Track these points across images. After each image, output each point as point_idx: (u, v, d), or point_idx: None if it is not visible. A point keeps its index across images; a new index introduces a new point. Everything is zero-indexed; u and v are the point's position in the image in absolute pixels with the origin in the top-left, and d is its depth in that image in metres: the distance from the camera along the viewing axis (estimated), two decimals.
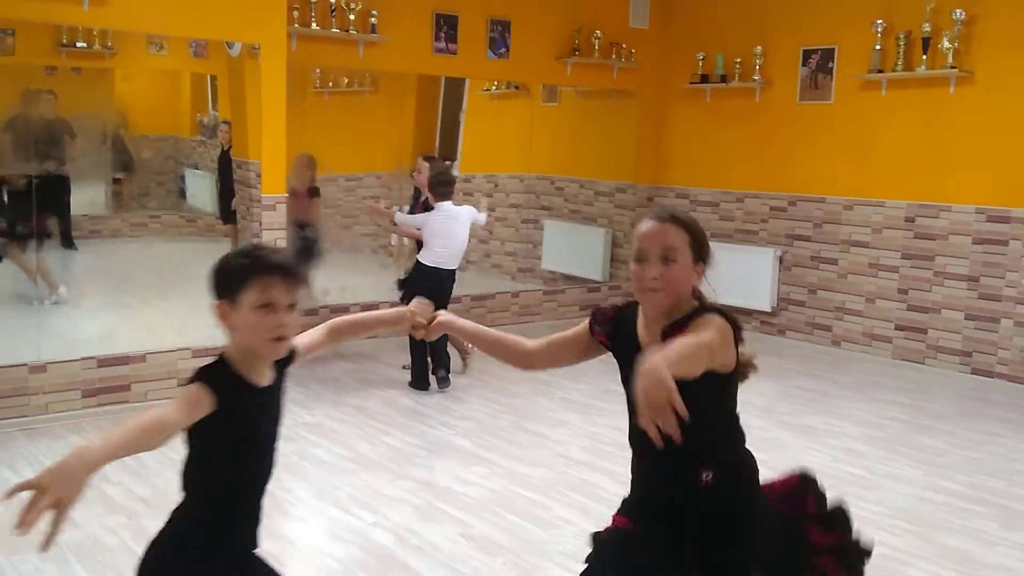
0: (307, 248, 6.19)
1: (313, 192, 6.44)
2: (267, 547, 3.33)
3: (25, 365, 4.65)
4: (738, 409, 2.12)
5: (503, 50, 7.12)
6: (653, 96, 7.98)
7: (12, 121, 6.50)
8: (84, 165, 7.37)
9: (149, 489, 3.88)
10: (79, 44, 7.15)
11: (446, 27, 6.81)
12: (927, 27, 6.22)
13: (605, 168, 8.23)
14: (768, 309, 7.25)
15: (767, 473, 2.32)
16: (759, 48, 7.20)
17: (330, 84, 7.99)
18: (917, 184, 6.45)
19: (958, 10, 6.04)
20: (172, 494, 3.86)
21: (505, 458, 4.39)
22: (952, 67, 6.12)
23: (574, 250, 8.33)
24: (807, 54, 6.98)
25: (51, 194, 5.97)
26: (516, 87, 8.20)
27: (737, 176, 7.51)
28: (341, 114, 8.02)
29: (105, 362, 4.87)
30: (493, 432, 4.78)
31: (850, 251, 6.83)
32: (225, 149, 7.10)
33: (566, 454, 4.47)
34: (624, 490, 4.09)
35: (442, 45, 6.82)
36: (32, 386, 4.65)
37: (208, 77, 8.47)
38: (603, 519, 3.63)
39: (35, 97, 6.92)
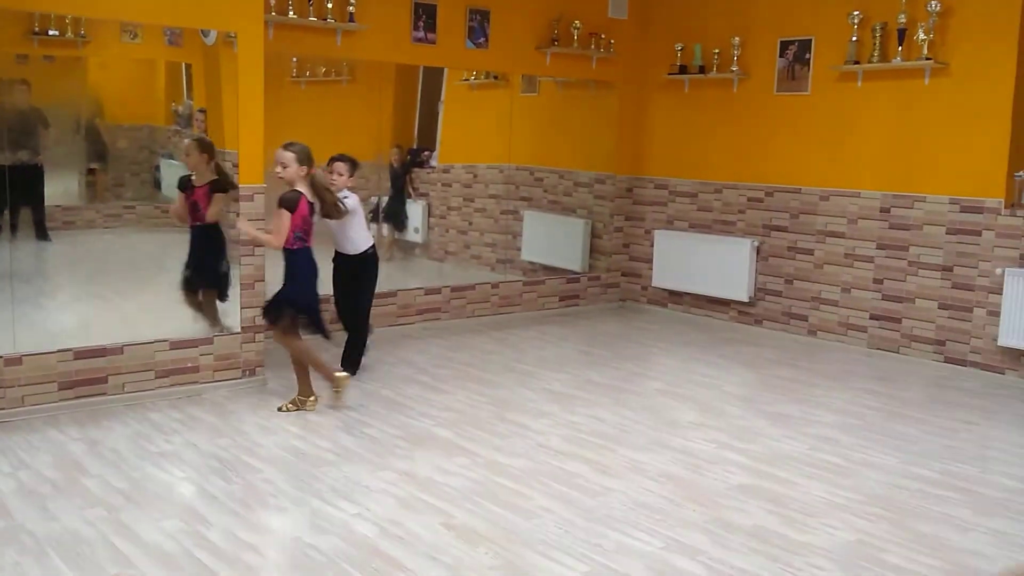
0: (207, 267, 5.60)
1: (216, 187, 5.51)
2: (249, 539, 3.35)
3: (1, 357, 4.59)
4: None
5: (482, 40, 7.10)
6: (632, 87, 8.00)
7: None
8: (58, 155, 7.26)
9: (127, 482, 3.85)
10: (51, 32, 7.04)
11: (425, 16, 6.78)
12: (903, 18, 6.27)
13: (584, 159, 8.24)
14: (745, 299, 7.31)
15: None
16: (737, 39, 7.24)
17: (307, 73, 7.93)
18: (892, 175, 6.51)
19: (933, 2, 6.09)
20: (150, 487, 3.86)
21: (486, 448, 4.40)
22: (927, 58, 6.17)
23: (553, 241, 8.34)
24: (784, 45, 7.02)
25: (25, 185, 5.88)
26: (495, 77, 8.17)
27: (715, 167, 7.55)
28: (318, 104, 7.96)
29: (82, 354, 4.82)
30: (474, 423, 4.79)
31: (826, 241, 6.89)
32: (201, 137, 7.02)
33: (547, 444, 4.49)
34: (607, 479, 4.13)
35: (421, 34, 6.79)
36: (7, 378, 4.60)
37: (183, 66, 8.37)
38: (584, 508, 3.68)
39: (7, 87, 6.82)
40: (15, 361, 4.63)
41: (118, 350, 4.97)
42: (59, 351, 4.78)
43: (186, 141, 5.61)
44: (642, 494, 3.89)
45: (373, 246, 5.62)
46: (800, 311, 7.06)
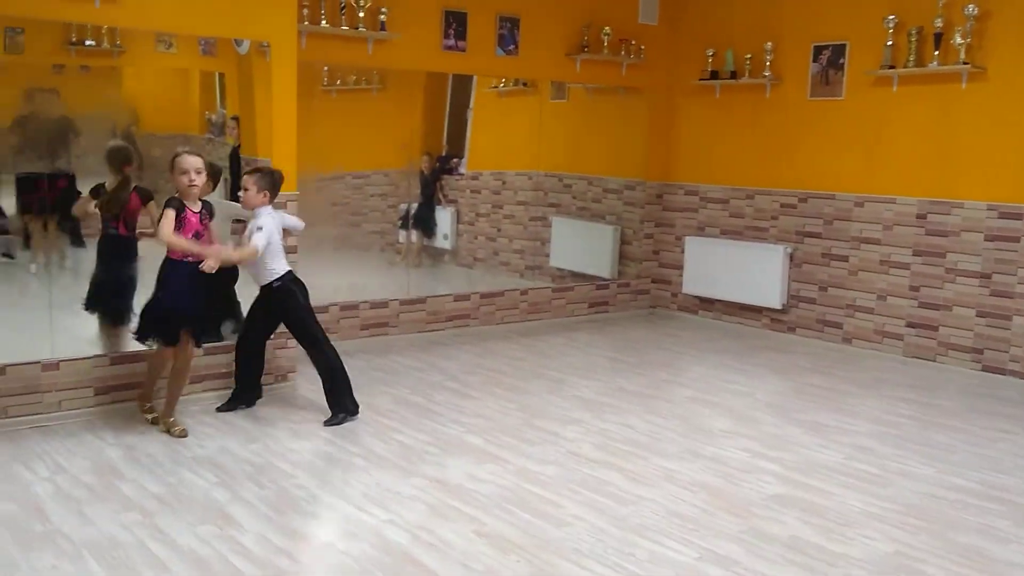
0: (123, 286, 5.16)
1: (144, 196, 5.12)
2: (282, 544, 3.36)
3: (38, 363, 4.66)
4: None
5: (512, 47, 7.11)
6: (662, 93, 7.97)
7: (19, 120, 6.51)
8: (93, 163, 7.37)
9: (162, 487, 3.88)
10: (88, 42, 7.16)
11: (455, 24, 6.80)
12: (939, 22, 6.19)
13: (614, 165, 8.22)
14: (778, 306, 7.23)
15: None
16: (769, 44, 7.18)
17: (338, 82, 7.99)
18: (929, 181, 6.42)
19: (970, 5, 6.01)
20: (185, 492, 3.89)
21: (517, 456, 4.39)
22: (964, 63, 6.09)
23: (582, 247, 8.32)
24: (818, 50, 6.96)
25: (59, 192, 5.97)
26: (524, 84, 8.18)
27: (747, 173, 7.49)
28: (348, 112, 8.02)
29: (117, 360, 4.88)
30: (505, 430, 4.78)
31: (861, 248, 6.80)
32: (235, 147, 7.10)
33: (578, 451, 4.47)
34: (639, 487, 4.11)
35: (451, 42, 6.81)
36: (45, 384, 4.66)
37: (216, 75, 8.48)
38: (616, 517, 3.65)
39: (40, 96, 6.93)
40: (52, 367, 4.70)
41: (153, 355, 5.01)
42: (95, 357, 4.85)
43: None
44: (675, 503, 3.85)
45: (281, 277, 4.80)
46: (834, 318, 6.98)
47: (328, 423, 4.78)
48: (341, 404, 4.86)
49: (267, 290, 4.82)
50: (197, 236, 4.50)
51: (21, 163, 6.04)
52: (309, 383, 5.46)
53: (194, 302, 4.54)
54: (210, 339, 4.88)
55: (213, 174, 5.08)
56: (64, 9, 4.74)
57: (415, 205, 8.16)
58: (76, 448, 4.33)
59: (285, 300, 4.82)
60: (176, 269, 4.49)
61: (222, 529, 3.47)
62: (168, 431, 4.55)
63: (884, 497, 4.00)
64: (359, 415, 4.89)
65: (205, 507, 3.70)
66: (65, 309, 5.06)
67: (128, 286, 5.12)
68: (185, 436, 4.50)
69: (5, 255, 5.64)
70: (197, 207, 4.53)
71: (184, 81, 8.76)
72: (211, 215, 4.61)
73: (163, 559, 3.21)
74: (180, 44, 7.87)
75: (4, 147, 6.17)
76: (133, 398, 4.87)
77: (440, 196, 8.37)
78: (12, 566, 3.12)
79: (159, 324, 4.51)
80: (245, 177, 4.80)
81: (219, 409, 4.94)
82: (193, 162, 4.50)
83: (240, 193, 4.66)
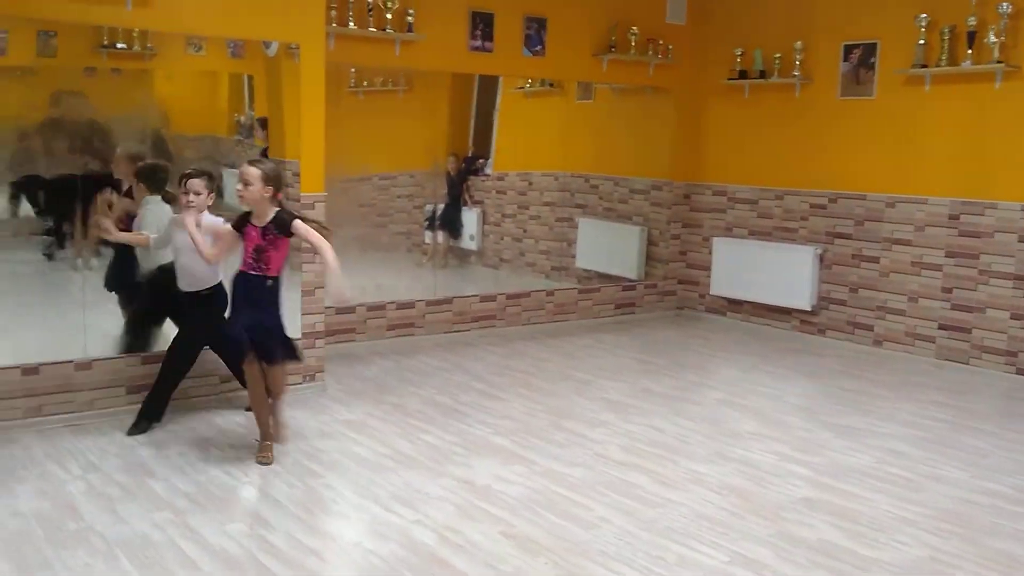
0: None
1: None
2: (311, 544, 3.38)
3: (71, 362, 4.72)
4: None
5: (539, 47, 7.10)
6: (690, 92, 7.92)
7: (47, 123, 6.60)
8: (124, 164, 7.45)
9: (193, 486, 3.91)
10: (119, 45, 7.24)
11: (482, 25, 6.80)
12: (972, 21, 6.10)
13: (640, 165, 8.18)
14: (808, 308, 7.16)
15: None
16: (799, 43, 7.12)
17: (365, 83, 8.02)
18: (962, 181, 6.33)
19: (1004, 3, 5.92)
20: (215, 490, 3.91)
21: (544, 457, 4.38)
22: (998, 61, 6.00)
23: (609, 248, 8.30)
24: (848, 49, 6.88)
25: (92, 194, 6.04)
26: (550, 84, 8.17)
27: (776, 173, 7.43)
28: (375, 113, 8.05)
29: (149, 359, 4.93)
30: (531, 431, 4.77)
31: (892, 249, 6.72)
32: (263, 149, 7.15)
33: (605, 453, 4.45)
34: (667, 490, 4.09)
35: (478, 43, 6.82)
36: (78, 383, 4.72)
37: (245, 77, 8.55)
38: (645, 520, 3.63)
39: (67, 98, 7.01)
40: (85, 366, 4.75)
41: None
42: (127, 356, 4.90)
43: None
44: (704, 506, 3.83)
45: (219, 284, 4.66)
46: (865, 320, 6.90)
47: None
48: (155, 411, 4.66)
49: (202, 296, 4.63)
50: (259, 252, 4.15)
51: (54, 165, 6.12)
52: (337, 383, 5.49)
53: (251, 318, 4.19)
54: (274, 356, 4.22)
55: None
56: (95, 12, 4.79)
57: (441, 206, 8.18)
58: (108, 446, 4.38)
59: (214, 303, 4.64)
60: (234, 284, 4.30)
61: (252, 528, 3.49)
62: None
63: (916, 501, 3.94)
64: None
65: (235, 506, 3.72)
66: (98, 308, 5.12)
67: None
68: (266, 463, 4.17)
69: (44, 255, 5.73)
70: (261, 221, 4.16)
71: (213, 83, 8.85)
72: (279, 230, 4.15)
73: (194, 558, 3.24)
74: (209, 46, 7.94)
75: (37, 149, 6.26)
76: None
77: (467, 197, 8.38)
78: (46, 564, 3.15)
79: (226, 341, 4.47)
80: (194, 181, 4.51)
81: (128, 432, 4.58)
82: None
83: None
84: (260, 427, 4.30)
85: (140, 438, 4.51)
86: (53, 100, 6.91)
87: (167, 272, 4.71)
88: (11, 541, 3.32)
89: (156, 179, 5.05)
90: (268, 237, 4.15)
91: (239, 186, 4.11)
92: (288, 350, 4.31)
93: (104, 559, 3.20)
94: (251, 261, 4.19)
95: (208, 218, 4.56)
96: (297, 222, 4.14)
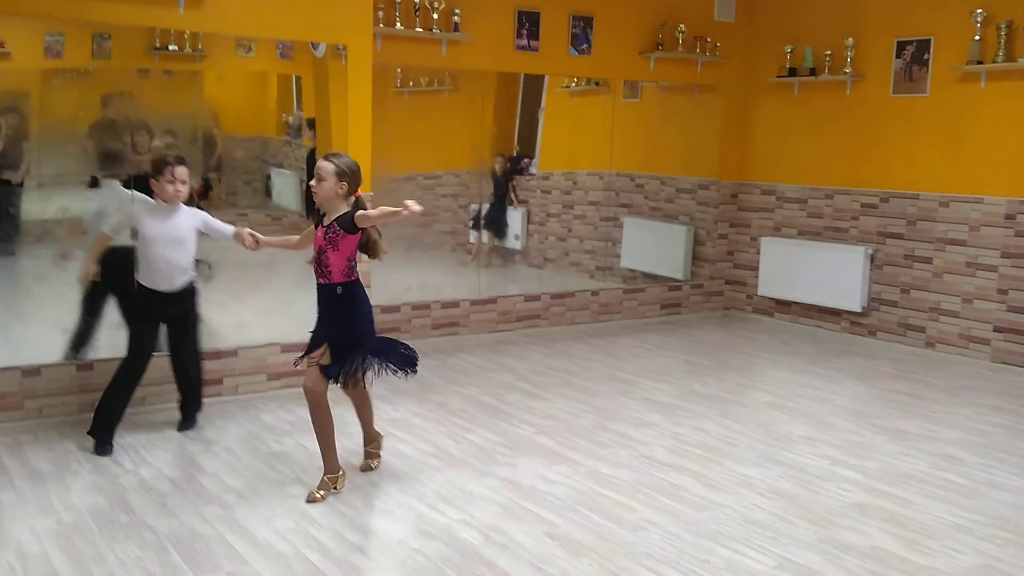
0: None
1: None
2: (356, 541, 3.40)
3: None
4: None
5: (585, 46, 7.07)
6: (738, 90, 7.83)
7: (99, 123, 6.74)
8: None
9: (241, 481, 3.96)
10: (171, 47, 7.38)
11: (528, 24, 6.79)
12: None
13: (687, 164, 8.11)
14: (858, 309, 7.03)
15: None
16: (850, 40, 6.99)
17: (411, 83, 8.07)
18: (1019, 180, 6.16)
19: None
20: (262, 486, 3.95)
21: (589, 458, 4.35)
22: None
23: (654, 248, 8.23)
24: (901, 45, 6.74)
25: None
26: (596, 83, 8.13)
27: (826, 172, 7.31)
28: (420, 113, 8.08)
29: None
30: (576, 431, 4.75)
31: (946, 249, 6.57)
32: (311, 148, 7.23)
33: (650, 455, 4.41)
34: (714, 493, 4.04)
35: (524, 42, 6.80)
36: None
37: (293, 78, 8.66)
38: (691, 523, 3.59)
39: (116, 99, 7.15)
40: None
41: (232, 353, 5.14)
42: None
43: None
44: (751, 510, 3.77)
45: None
46: (917, 322, 6.75)
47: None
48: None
49: (182, 293, 4.45)
50: (320, 254, 3.76)
51: (106, 165, 6.24)
52: (381, 381, 5.51)
53: (324, 330, 3.82)
54: (337, 372, 3.77)
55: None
56: (148, 14, 4.87)
57: (486, 206, 8.19)
58: (159, 442, 4.45)
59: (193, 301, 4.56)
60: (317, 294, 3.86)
61: (298, 524, 3.52)
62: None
63: (971, 508, 3.85)
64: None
65: (282, 502, 3.76)
66: None
67: None
68: (315, 500, 3.75)
69: None
70: (327, 220, 3.78)
71: (262, 84, 8.97)
72: (343, 227, 3.72)
73: (242, 553, 3.27)
74: (259, 48, 8.05)
75: (91, 149, 6.40)
76: (210, 395, 4.97)
77: (512, 197, 8.38)
78: (99, 557, 3.22)
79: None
80: (182, 168, 4.30)
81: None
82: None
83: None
84: (326, 459, 3.83)
85: (189, 433, 4.58)
86: (104, 101, 7.04)
87: (117, 252, 4.53)
88: (66, 534, 3.39)
89: (112, 163, 5.22)
90: (329, 236, 3.72)
91: (312, 181, 3.78)
92: (388, 360, 3.83)
93: (155, 552, 3.26)
94: (315, 267, 3.79)
95: (198, 213, 4.44)
96: (360, 212, 3.69)
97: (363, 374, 3.80)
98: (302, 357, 3.86)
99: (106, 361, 4.72)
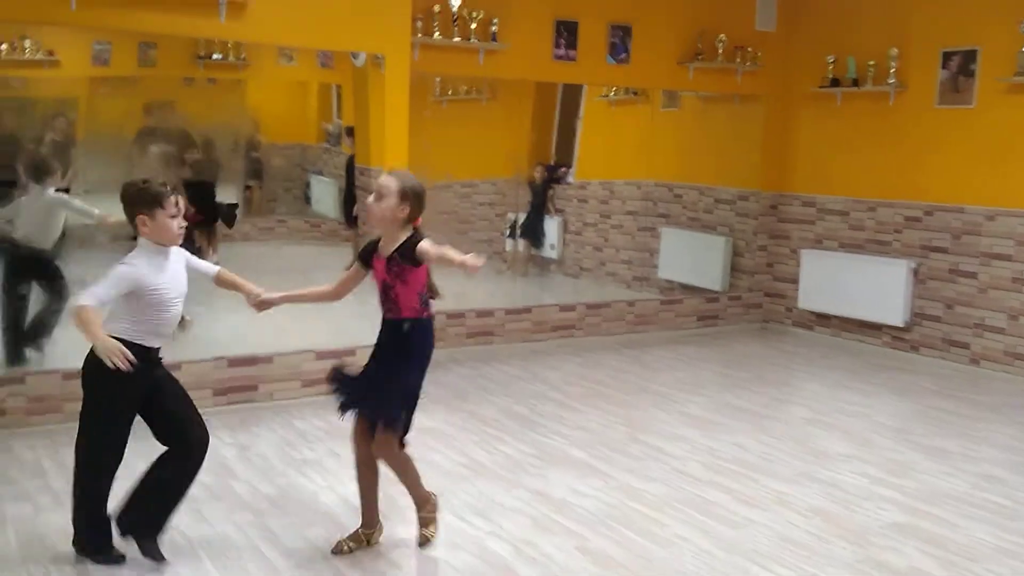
0: None
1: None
2: (386, 551, 3.39)
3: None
4: None
5: (623, 55, 7.03)
6: (779, 101, 7.73)
7: (146, 131, 6.88)
8: (218, 173, 7.72)
9: (273, 488, 3.99)
10: (215, 56, 7.49)
11: (566, 33, 6.78)
12: None
13: (726, 175, 8.03)
14: (900, 324, 6.90)
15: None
16: (894, 50, 6.87)
17: (449, 92, 8.11)
18: None
19: None
20: (295, 494, 3.97)
21: (621, 471, 4.31)
22: None
23: (692, 259, 8.16)
24: (947, 56, 6.62)
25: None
26: (635, 93, 8.10)
27: (869, 184, 7.19)
28: (458, 122, 8.12)
29: (235, 362, 5.06)
30: (608, 444, 4.71)
31: (991, 264, 6.42)
32: (350, 156, 7.29)
33: (684, 470, 4.36)
34: (749, 510, 3.98)
35: (562, 52, 6.79)
36: None
37: (333, 87, 8.75)
38: (725, 540, 3.54)
39: (161, 107, 7.29)
40: (174, 367, 4.87)
41: (268, 359, 5.18)
42: (214, 359, 5.03)
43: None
44: (787, 528, 3.70)
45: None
46: (961, 338, 6.60)
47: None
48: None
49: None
50: (385, 290, 3.29)
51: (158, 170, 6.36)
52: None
53: (371, 362, 3.37)
54: (388, 413, 3.28)
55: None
56: (191, 24, 4.94)
57: (523, 215, 8.19)
58: None
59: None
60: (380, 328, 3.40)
61: (329, 532, 3.53)
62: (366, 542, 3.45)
63: (1013, 530, 3.74)
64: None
65: (314, 510, 3.77)
66: (187, 312, 5.27)
67: None
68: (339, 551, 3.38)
69: None
70: (387, 249, 3.29)
71: (303, 93, 9.07)
72: (406, 261, 3.24)
73: (273, 561, 3.29)
74: (300, 57, 8.14)
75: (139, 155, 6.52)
76: (244, 401, 5.01)
77: (550, 206, 8.37)
78: (132, 561, 3.24)
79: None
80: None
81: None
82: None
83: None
84: (417, 501, 3.47)
85: (225, 438, 4.61)
86: (147, 109, 7.18)
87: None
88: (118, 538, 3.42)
89: (39, 171, 5.25)
90: (393, 270, 3.25)
91: (369, 199, 3.29)
92: (398, 412, 3.29)
93: (187, 558, 3.28)
94: (380, 301, 3.33)
95: (180, 251, 3.34)
96: (425, 243, 3.21)
97: (399, 422, 3.30)
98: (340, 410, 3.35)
99: None
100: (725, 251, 7.96)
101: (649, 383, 6.00)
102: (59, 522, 3.54)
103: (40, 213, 5.25)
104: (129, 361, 3.00)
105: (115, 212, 4.51)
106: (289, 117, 9.04)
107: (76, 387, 4.64)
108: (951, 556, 3.49)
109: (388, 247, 3.28)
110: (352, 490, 3.98)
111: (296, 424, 4.89)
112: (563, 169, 8.59)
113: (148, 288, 3.11)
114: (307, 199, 8.93)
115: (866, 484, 4.24)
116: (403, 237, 3.27)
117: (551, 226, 8.43)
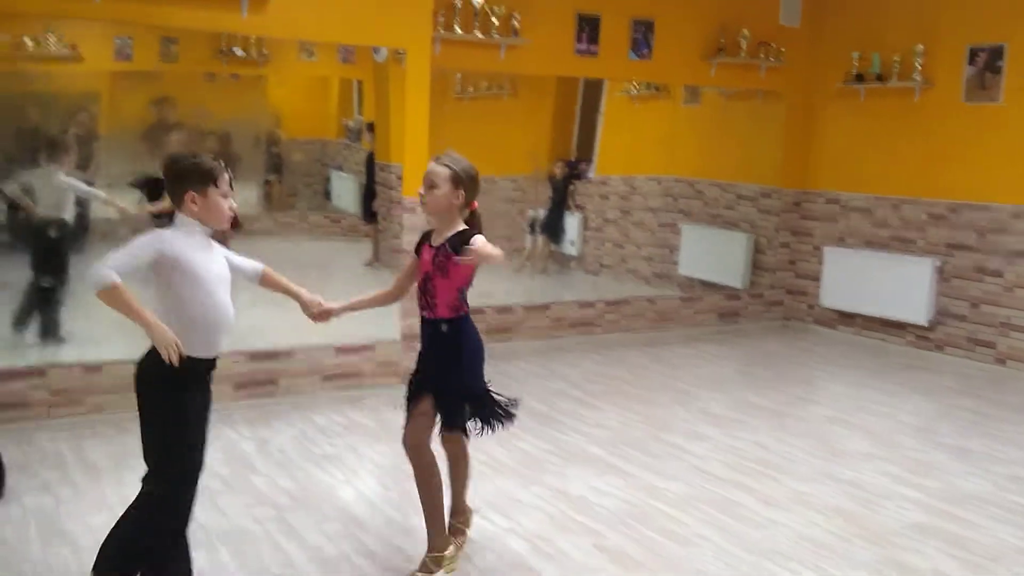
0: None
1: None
2: (404, 546, 3.39)
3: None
4: None
5: (645, 51, 6.99)
6: (802, 97, 7.66)
7: (159, 125, 6.91)
8: (238, 168, 7.75)
9: (292, 482, 3.99)
10: (237, 51, 7.52)
11: (588, 28, 6.74)
12: None
13: (748, 171, 7.96)
14: (924, 323, 6.81)
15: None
16: (920, 46, 6.78)
17: (470, 88, 8.09)
18: None
19: None
20: (313, 488, 3.98)
21: (641, 469, 4.28)
22: None
23: (713, 255, 8.10)
24: (974, 52, 6.52)
25: None
26: (656, 88, 8.05)
27: (893, 181, 7.10)
28: (479, 117, 8.10)
29: (255, 356, 5.07)
30: (628, 441, 4.69)
31: (1017, 263, 6.33)
32: (370, 152, 7.29)
33: (705, 468, 4.33)
34: (770, 509, 3.94)
35: (583, 47, 6.75)
36: None
37: (354, 82, 8.76)
38: (745, 539, 3.51)
39: (165, 103, 7.32)
40: None
41: (288, 353, 5.19)
42: (234, 353, 5.04)
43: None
44: (808, 528, 3.67)
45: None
46: (986, 337, 6.52)
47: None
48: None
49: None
50: (425, 282, 3.13)
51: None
52: None
53: (425, 373, 3.24)
54: (453, 420, 3.20)
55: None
56: (212, 18, 4.95)
57: (542, 211, 8.17)
58: (212, 440, 4.48)
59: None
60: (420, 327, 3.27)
61: (347, 528, 3.53)
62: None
63: None
64: None
65: (332, 505, 3.78)
66: None
67: None
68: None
69: None
70: (438, 239, 3.14)
71: (324, 88, 9.09)
72: (457, 248, 3.03)
73: (291, 555, 3.29)
74: (321, 52, 8.15)
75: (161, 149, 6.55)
76: (264, 395, 5.03)
77: (570, 202, 8.34)
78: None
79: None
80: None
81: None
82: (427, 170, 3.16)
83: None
84: (432, 532, 3.18)
85: (244, 432, 4.63)
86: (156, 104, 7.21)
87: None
88: None
89: (53, 149, 5.46)
90: (439, 260, 3.07)
91: (421, 190, 3.12)
92: (478, 414, 3.21)
93: (205, 550, 3.29)
94: (419, 296, 3.16)
95: (217, 244, 2.97)
96: (480, 237, 3.01)
97: (465, 425, 3.20)
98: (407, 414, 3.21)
99: None
100: (746, 248, 7.90)
101: (670, 380, 5.96)
102: (80, 514, 3.57)
103: (48, 193, 5.39)
104: (184, 367, 2.68)
105: (126, 200, 4.55)
106: (310, 113, 9.05)
107: (97, 379, 4.70)
108: (974, 557, 3.44)
109: (441, 236, 3.11)
110: (370, 486, 4.00)
111: (315, 419, 4.90)
112: (583, 164, 8.56)
113: (182, 260, 2.68)
114: (327, 195, 8.94)
115: (888, 484, 4.19)
116: (460, 225, 3.11)
117: (571, 222, 8.40)
